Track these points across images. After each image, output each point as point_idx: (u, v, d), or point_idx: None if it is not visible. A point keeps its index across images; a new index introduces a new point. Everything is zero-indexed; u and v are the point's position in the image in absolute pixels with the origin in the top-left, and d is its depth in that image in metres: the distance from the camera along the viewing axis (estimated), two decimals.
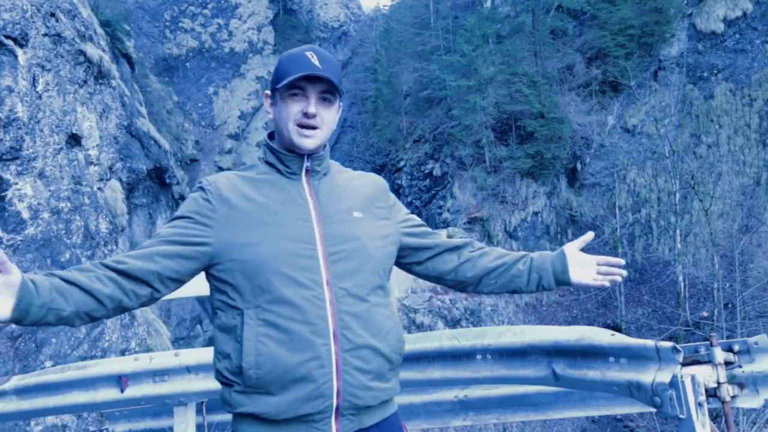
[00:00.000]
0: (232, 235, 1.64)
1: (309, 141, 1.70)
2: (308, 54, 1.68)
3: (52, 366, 6.52)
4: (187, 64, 36.20)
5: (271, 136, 1.81)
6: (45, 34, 8.41)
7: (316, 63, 1.66)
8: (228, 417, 3.85)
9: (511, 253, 1.95)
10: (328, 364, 1.59)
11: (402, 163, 28.26)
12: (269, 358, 1.57)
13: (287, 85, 1.66)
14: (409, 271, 1.95)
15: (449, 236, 2.05)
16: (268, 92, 1.78)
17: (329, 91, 1.69)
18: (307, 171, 1.74)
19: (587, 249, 1.96)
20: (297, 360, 1.57)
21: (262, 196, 1.69)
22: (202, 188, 1.71)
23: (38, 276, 1.50)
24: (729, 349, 2.34)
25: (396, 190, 26.67)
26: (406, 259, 1.91)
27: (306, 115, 1.67)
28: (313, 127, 1.69)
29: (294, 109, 1.68)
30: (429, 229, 1.97)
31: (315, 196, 1.72)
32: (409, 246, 1.89)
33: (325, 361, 1.58)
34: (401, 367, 1.84)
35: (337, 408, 1.61)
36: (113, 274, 1.59)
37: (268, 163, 1.77)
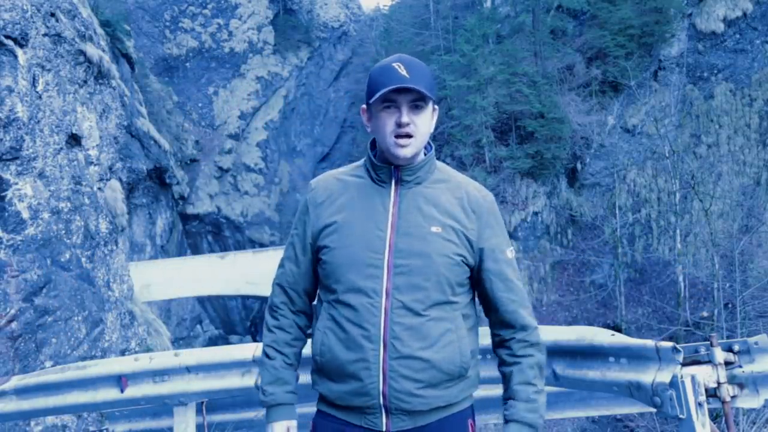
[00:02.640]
0: (319, 237, 1.83)
1: (405, 150, 1.75)
2: (395, 65, 1.73)
3: (52, 366, 6.53)
4: (187, 64, 36.18)
5: (373, 143, 1.88)
6: (45, 34, 8.40)
7: (404, 73, 1.70)
8: (227, 417, 3.86)
9: (518, 391, 1.80)
10: (375, 367, 1.70)
11: None
12: (328, 350, 1.76)
13: (379, 99, 1.73)
14: None
15: None
16: (364, 107, 1.84)
17: (420, 98, 1.74)
18: (397, 181, 1.80)
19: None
20: (347, 358, 1.72)
21: (350, 202, 1.82)
22: (307, 194, 1.92)
23: (291, 396, 1.88)
24: (729, 349, 2.34)
25: None
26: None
27: (399, 125, 1.73)
28: (408, 135, 1.74)
29: (389, 121, 1.74)
30: (507, 284, 1.84)
31: (398, 206, 1.78)
32: (479, 289, 1.87)
33: (371, 365, 1.70)
34: None
35: (386, 408, 1.71)
36: (293, 323, 1.92)
37: (366, 168, 1.87)
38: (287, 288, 1.91)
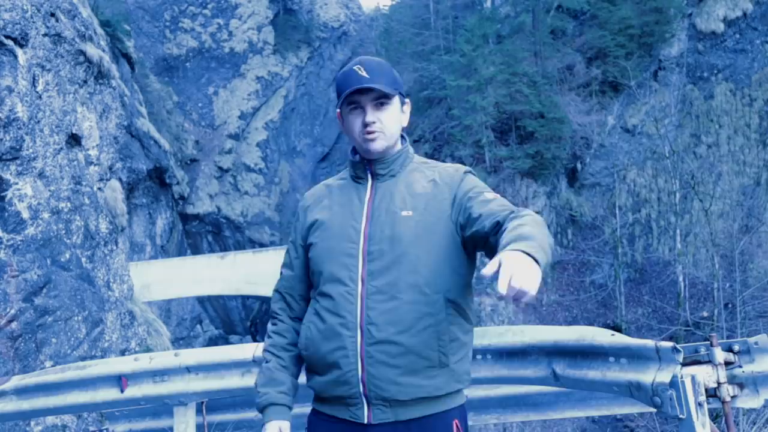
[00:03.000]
0: (307, 236, 1.91)
1: (375, 144, 1.82)
2: (356, 68, 1.80)
3: (52, 366, 6.52)
4: (187, 64, 36.21)
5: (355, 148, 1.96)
6: (45, 34, 8.41)
7: (364, 74, 1.78)
8: (227, 417, 3.85)
9: (512, 231, 1.55)
10: (353, 354, 1.71)
11: None
12: (311, 343, 1.80)
13: (345, 102, 1.82)
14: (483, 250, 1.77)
15: None
16: (339, 111, 1.90)
17: (382, 96, 1.80)
18: (373, 175, 1.88)
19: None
20: (327, 348, 1.75)
21: (331, 200, 1.91)
22: (299, 203, 2.02)
23: (283, 396, 1.88)
24: (729, 349, 2.34)
25: None
26: (467, 237, 1.76)
27: (365, 125, 1.80)
28: (375, 132, 1.80)
29: (356, 122, 1.83)
30: (485, 196, 1.77)
31: (372, 197, 1.84)
32: (461, 223, 1.77)
33: (350, 352, 1.72)
34: None
35: (366, 397, 1.71)
36: (290, 328, 1.94)
37: (348, 169, 1.96)
38: (284, 293, 1.97)
